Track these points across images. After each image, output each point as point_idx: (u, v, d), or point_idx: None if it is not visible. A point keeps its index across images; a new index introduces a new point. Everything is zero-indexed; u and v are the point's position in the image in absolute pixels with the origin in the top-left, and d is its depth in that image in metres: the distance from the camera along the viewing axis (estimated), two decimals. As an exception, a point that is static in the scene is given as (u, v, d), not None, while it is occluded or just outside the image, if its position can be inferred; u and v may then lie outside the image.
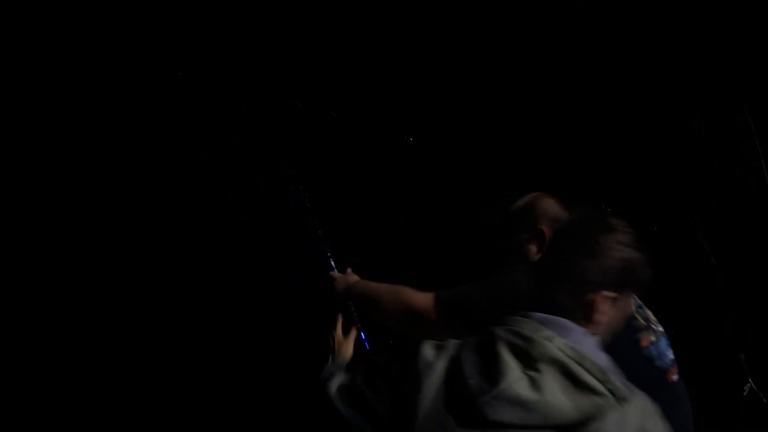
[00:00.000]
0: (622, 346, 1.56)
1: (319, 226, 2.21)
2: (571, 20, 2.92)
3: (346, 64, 3.02)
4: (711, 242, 2.90)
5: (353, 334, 1.75)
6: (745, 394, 2.61)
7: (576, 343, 1.11)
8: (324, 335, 1.74)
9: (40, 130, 2.78)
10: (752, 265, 2.84)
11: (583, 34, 2.94)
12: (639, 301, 1.74)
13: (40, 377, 2.76)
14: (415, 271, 3.08)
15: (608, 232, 1.19)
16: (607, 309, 1.17)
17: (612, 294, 1.16)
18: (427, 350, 1.17)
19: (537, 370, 1.06)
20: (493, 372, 1.07)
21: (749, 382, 2.62)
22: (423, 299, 1.73)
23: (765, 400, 2.60)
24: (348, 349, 1.71)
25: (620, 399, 1.04)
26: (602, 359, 1.12)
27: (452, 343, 1.17)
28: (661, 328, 1.70)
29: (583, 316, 1.16)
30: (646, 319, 1.72)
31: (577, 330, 1.14)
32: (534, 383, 1.04)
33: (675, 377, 1.70)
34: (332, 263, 2.12)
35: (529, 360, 1.07)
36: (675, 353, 1.71)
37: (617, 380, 1.08)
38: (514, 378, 1.05)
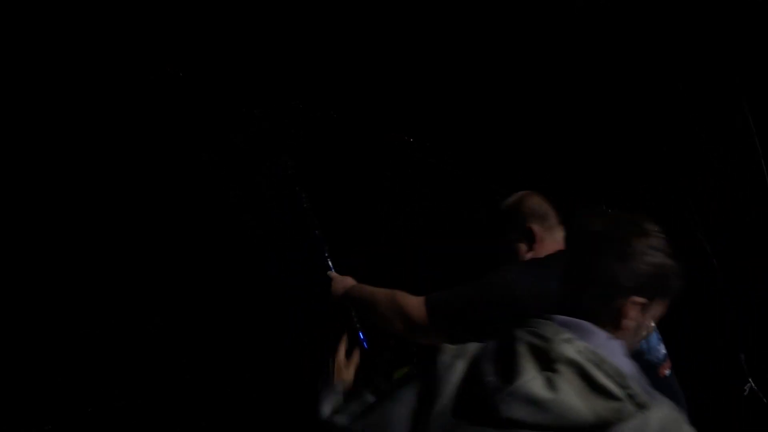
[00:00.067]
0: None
1: (317, 227, 2.21)
2: (571, 20, 2.91)
3: (346, 64, 3.02)
4: (711, 242, 2.90)
5: (356, 358, 1.73)
6: (745, 394, 2.61)
7: (598, 347, 1.09)
8: (324, 359, 1.71)
9: (40, 130, 2.78)
10: (752, 265, 2.84)
11: (583, 34, 2.94)
12: None
13: (41, 377, 2.76)
14: (415, 271, 3.08)
15: (642, 236, 1.15)
16: (636, 315, 1.14)
17: (642, 300, 1.14)
18: (448, 351, 1.16)
19: (554, 370, 1.04)
20: (509, 370, 1.06)
21: (749, 382, 2.62)
22: (416, 303, 1.73)
23: (765, 400, 2.60)
24: (349, 374, 1.66)
25: (640, 405, 1.02)
26: (625, 365, 1.10)
27: (473, 345, 1.16)
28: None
29: (611, 321, 1.14)
30: None
31: (600, 334, 1.12)
32: (550, 383, 1.03)
33: (667, 372, 1.70)
34: (330, 263, 2.12)
35: (546, 360, 1.06)
36: (675, 353, 1.71)
37: (639, 387, 1.06)
38: (530, 377, 1.04)
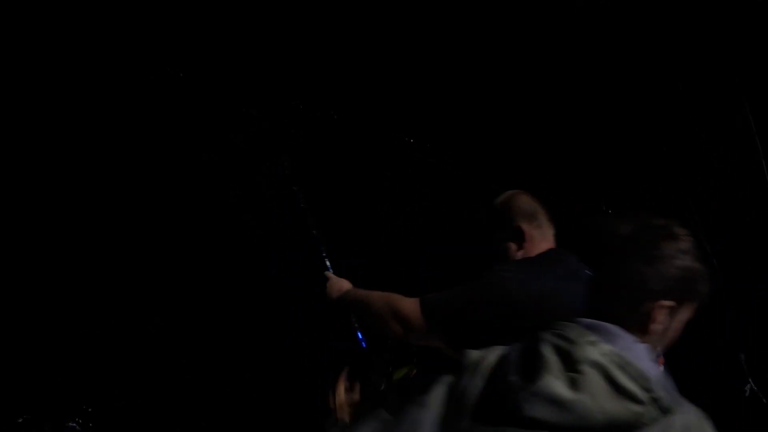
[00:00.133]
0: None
1: (314, 227, 2.21)
2: (571, 20, 2.91)
3: (346, 64, 3.01)
4: (711, 242, 2.90)
5: (357, 392, 1.72)
6: (746, 395, 2.61)
7: (623, 350, 1.08)
8: (326, 397, 1.72)
9: (41, 130, 2.78)
10: (752, 265, 2.84)
11: (583, 34, 2.94)
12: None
13: (41, 377, 2.76)
14: (415, 271, 3.08)
15: (671, 239, 1.15)
16: (663, 319, 1.14)
17: (670, 303, 1.13)
18: (473, 354, 1.17)
19: (577, 371, 1.04)
20: (533, 370, 1.07)
21: (749, 383, 2.62)
22: (412, 305, 1.73)
23: (765, 400, 2.60)
24: (350, 411, 1.67)
25: (664, 410, 1.02)
26: (651, 369, 1.09)
27: (498, 348, 1.17)
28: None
29: (638, 324, 1.13)
30: None
31: (625, 337, 1.11)
32: (573, 384, 1.03)
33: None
34: (327, 263, 2.12)
35: (570, 361, 1.06)
36: (675, 353, 1.71)
37: (663, 391, 1.06)
38: (554, 377, 1.04)
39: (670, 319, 1.15)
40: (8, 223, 2.74)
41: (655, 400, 1.02)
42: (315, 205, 2.32)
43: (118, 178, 2.90)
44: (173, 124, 2.90)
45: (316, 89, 2.96)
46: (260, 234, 3.08)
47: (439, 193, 3.21)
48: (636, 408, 1.02)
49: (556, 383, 1.04)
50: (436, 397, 1.13)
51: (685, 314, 1.18)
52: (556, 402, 1.02)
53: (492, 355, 1.15)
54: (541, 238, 1.83)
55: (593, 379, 1.04)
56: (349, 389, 1.74)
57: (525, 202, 1.86)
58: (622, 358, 1.06)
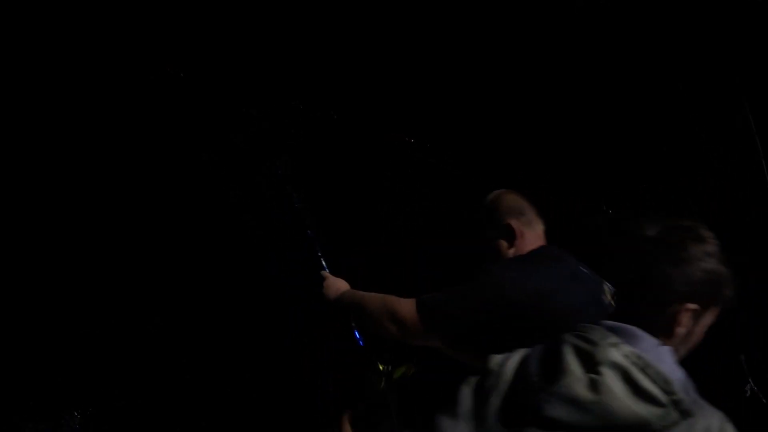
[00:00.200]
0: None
1: (310, 226, 2.21)
2: (571, 20, 2.91)
3: (346, 64, 3.01)
4: (711, 242, 2.89)
5: None
6: (747, 395, 2.61)
7: (645, 352, 1.08)
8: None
9: (41, 130, 2.78)
10: (752, 265, 2.84)
11: (583, 34, 2.94)
12: (613, 288, 1.76)
13: (41, 377, 2.76)
14: (415, 271, 3.08)
15: (698, 241, 1.14)
16: (688, 322, 1.13)
17: (695, 306, 1.13)
18: (496, 357, 1.17)
19: (598, 373, 1.05)
20: (554, 371, 1.07)
21: (749, 383, 2.62)
22: (408, 305, 1.73)
23: (765, 400, 2.60)
24: None
25: (684, 413, 1.02)
26: (673, 371, 1.09)
27: (520, 350, 1.17)
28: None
29: (662, 327, 1.13)
30: None
31: (648, 340, 1.11)
32: (593, 385, 1.04)
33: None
34: (323, 262, 2.12)
35: (591, 363, 1.06)
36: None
37: (685, 394, 1.05)
38: (574, 378, 1.05)
39: (694, 323, 1.15)
40: (8, 223, 2.74)
41: (675, 403, 1.03)
42: (315, 205, 2.32)
43: (119, 178, 2.90)
44: (173, 124, 2.90)
45: (316, 89, 2.96)
46: (260, 234, 3.08)
47: (439, 193, 3.21)
48: (656, 410, 1.02)
49: (576, 384, 1.04)
50: (466, 405, 1.13)
51: (708, 318, 1.18)
52: (575, 403, 1.03)
53: (514, 357, 1.15)
54: (532, 234, 1.84)
55: (613, 380, 1.04)
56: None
57: (512, 199, 1.87)
58: (643, 360, 1.06)
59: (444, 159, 3.13)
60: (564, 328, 1.58)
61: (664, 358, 1.10)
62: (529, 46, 3.01)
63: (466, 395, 1.14)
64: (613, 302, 1.75)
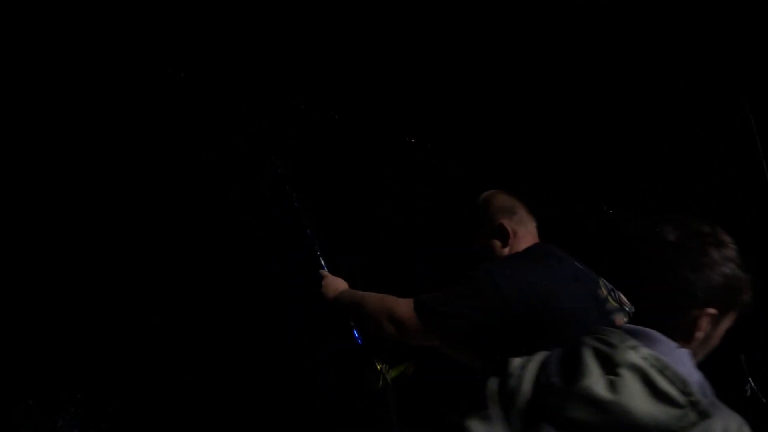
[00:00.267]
0: (597, 326, 1.57)
1: (309, 225, 2.22)
2: (571, 20, 2.91)
3: (347, 64, 3.01)
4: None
5: None
6: (747, 395, 2.60)
7: (663, 354, 1.09)
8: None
9: (41, 130, 2.78)
10: (752, 265, 2.84)
11: (583, 34, 2.94)
12: (610, 285, 1.77)
13: (41, 377, 2.76)
14: (415, 271, 3.08)
15: (718, 246, 1.15)
16: (707, 326, 1.14)
17: (714, 311, 1.13)
18: (516, 360, 1.19)
19: (617, 374, 1.06)
20: (573, 372, 1.09)
21: (749, 383, 2.62)
22: (405, 305, 1.74)
23: (765, 400, 2.60)
24: None
25: (702, 414, 1.03)
26: (691, 374, 1.10)
27: (540, 353, 1.19)
28: (634, 311, 1.73)
29: (682, 331, 1.13)
30: (620, 302, 1.74)
31: (667, 343, 1.12)
32: (612, 386, 1.05)
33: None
34: (322, 262, 2.13)
35: (610, 364, 1.07)
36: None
37: (703, 395, 1.07)
38: (594, 379, 1.06)
39: (712, 327, 1.15)
40: (8, 223, 2.74)
41: (693, 404, 1.04)
42: (315, 205, 2.33)
43: (119, 178, 2.90)
44: (173, 124, 2.90)
45: (316, 89, 2.96)
46: (260, 234, 3.08)
47: (439, 193, 3.21)
48: (674, 411, 1.03)
49: (595, 385, 1.05)
50: (494, 407, 1.14)
51: (726, 323, 1.19)
52: (595, 403, 1.04)
53: (534, 360, 1.17)
54: (525, 232, 1.86)
55: (631, 381, 1.05)
56: None
57: (503, 199, 1.89)
58: (661, 361, 1.07)
59: (444, 159, 3.13)
60: (567, 328, 1.58)
61: (683, 361, 1.11)
62: (529, 46, 3.01)
63: (492, 398, 1.15)
64: (609, 298, 1.75)
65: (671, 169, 3.05)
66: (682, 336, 1.14)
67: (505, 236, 1.84)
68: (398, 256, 3.15)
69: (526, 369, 1.15)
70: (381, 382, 1.95)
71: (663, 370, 1.06)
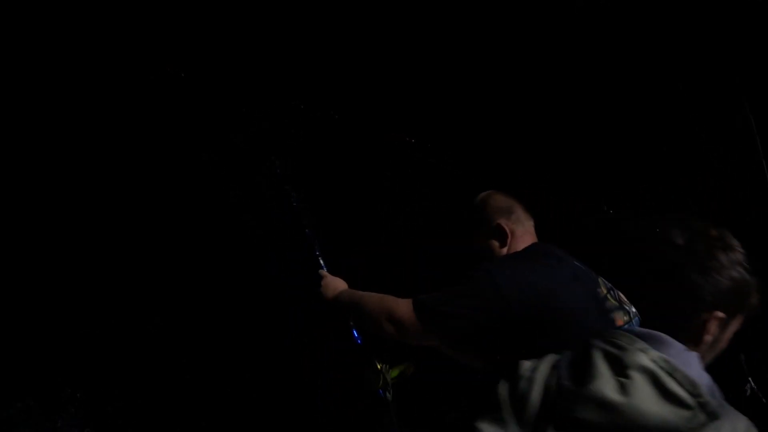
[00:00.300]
0: (597, 325, 1.58)
1: (308, 225, 2.22)
2: (571, 20, 2.91)
3: (347, 64, 3.01)
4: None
5: None
6: (747, 395, 2.61)
7: (672, 357, 1.10)
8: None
9: (40, 130, 2.78)
10: (752, 265, 2.84)
11: (583, 34, 2.94)
12: (609, 284, 1.77)
13: (41, 377, 2.76)
14: (415, 271, 3.08)
15: (726, 250, 1.16)
16: (715, 330, 1.15)
17: (722, 315, 1.14)
18: (526, 363, 1.19)
19: (627, 376, 1.07)
20: (584, 374, 1.10)
21: (749, 383, 2.62)
22: (405, 305, 1.74)
23: (765, 400, 2.60)
24: None
25: (711, 415, 1.04)
26: (700, 376, 1.11)
27: (551, 356, 1.20)
28: (633, 310, 1.73)
29: (690, 334, 1.14)
30: (619, 301, 1.75)
31: (676, 345, 1.13)
32: (622, 387, 1.06)
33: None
34: (321, 261, 2.13)
35: (620, 367, 1.09)
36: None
37: (711, 397, 1.08)
38: (604, 381, 1.07)
39: (720, 330, 1.16)
40: (8, 222, 2.74)
41: (702, 406, 1.04)
42: (315, 205, 2.32)
43: (118, 178, 2.90)
44: (173, 124, 2.90)
45: (316, 89, 2.96)
46: (260, 234, 3.08)
47: (439, 193, 3.21)
48: (683, 412, 1.04)
49: (606, 387, 1.06)
50: (507, 410, 1.15)
51: (734, 326, 1.19)
52: (605, 405, 1.05)
53: (545, 362, 1.18)
54: (523, 232, 1.86)
55: (641, 383, 1.06)
56: None
57: (499, 200, 1.89)
58: (670, 364, 1.08)
59: (444, 159, 3.13)
60: (567, 328, 1.59)
61: (692, 363, 1.12)
62: (529, 46, 3.01)
63: (503, 401, 1.16)
64: (609, 296, 1.76)
65: (671, 169, 3.05)
66: (691, 339, 1.14)
67: (503, 236, 1.85)
68: (398, 256, 3.15)
69: (536, 371, 1.16)
70: (381, 382, 1.95)
71: (672, 372, 1.07)
